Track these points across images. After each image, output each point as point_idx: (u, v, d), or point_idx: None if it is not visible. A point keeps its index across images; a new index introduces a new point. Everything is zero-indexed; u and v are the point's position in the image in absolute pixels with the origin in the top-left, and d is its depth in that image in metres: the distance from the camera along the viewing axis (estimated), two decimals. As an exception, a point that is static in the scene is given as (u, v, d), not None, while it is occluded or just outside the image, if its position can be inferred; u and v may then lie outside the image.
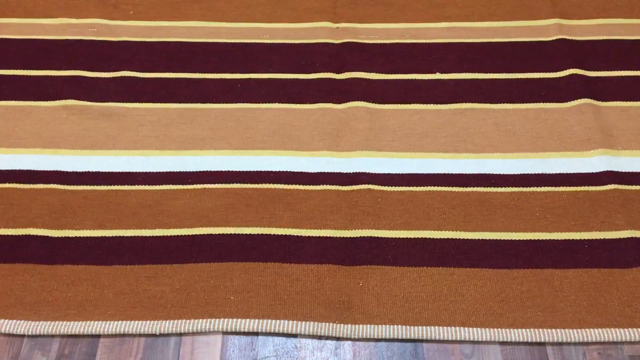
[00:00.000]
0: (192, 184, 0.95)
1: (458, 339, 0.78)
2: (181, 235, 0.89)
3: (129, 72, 1.09)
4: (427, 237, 0.88)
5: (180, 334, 0.79)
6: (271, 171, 0.96)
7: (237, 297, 0.82)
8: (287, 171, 0.96)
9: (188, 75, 1.10)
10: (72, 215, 0.90)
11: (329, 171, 0.96)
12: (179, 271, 0.85)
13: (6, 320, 0.80)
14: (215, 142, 1.00)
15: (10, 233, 0.88)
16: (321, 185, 0.95)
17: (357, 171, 0.96)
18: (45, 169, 0.96)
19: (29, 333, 0.79)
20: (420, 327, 0.79)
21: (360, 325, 0.80)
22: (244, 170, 0.97)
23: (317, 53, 1.13)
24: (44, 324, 0.80)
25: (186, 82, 1.08)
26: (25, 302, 0.82)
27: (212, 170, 0.97)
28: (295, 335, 0.79)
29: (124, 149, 0.99)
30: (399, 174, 0.96)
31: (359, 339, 0.79)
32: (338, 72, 1.10)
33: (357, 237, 0.88)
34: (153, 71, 1.10)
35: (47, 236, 0.88)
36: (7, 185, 0.94)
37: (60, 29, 1.16)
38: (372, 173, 0.96)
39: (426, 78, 1.09)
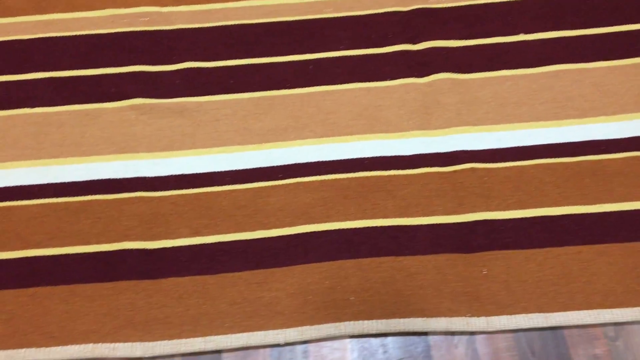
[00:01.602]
0: (284, 179, 0.89)
1: (599, 322, 0.74)
2: (284, 236, 0.84)
3: (192, 62, 1.02)
4: (545, 214, 0.83)
5: (306, 342, 0.75)
6: (364, 157, 0.90)
7: (358, 297, 0.78)
8: (380, 156, 0.91)
9: (255, 60, 1.02)
10: (165, 224, 0.85)
11: (425, 152, 0.91)
12: (290, 274, 0.80)
13: (120, 344, 0.76)
14: (298, 131, 0.94)
15: (104, 249, 0.84)
16: (420, 169, 0.89)
17: (455, 150, 0.90)
18: (125, 177, 0.90)
19: (147, 355, 0.75)
20: (557, 313, 0.75)
21: (494, 317, 0.75)
22: (335, 159, 0.91)
23: (387, 23, 1.06)
24: (161, 343, 0.76)
25: (254, 69, 1.01)
26: (135, 322, 0.78)
27: (301, 162, 0.91)
28: (426, 333, 0.75)
29: (204, 147, 0.93)
30: (500, 148, 0.90)
31: (494, 332, 0.74)
32: (414, 43, 1.03)
33: (469, 222, 0.83)
34: (217, 59, 1.03)
35: (144, 249, 0.83)
36: (89, 197, 0.88)
37: (109, 21, 1.08)
38: (471, 150, 0.90)
39: (510, 40, 1.02)
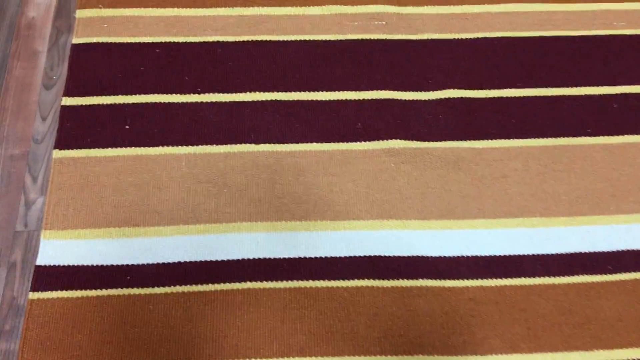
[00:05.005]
0: (615, 273, 0.68)
1: None
2: (636, 362, 0.62)
3: (455, 90, 0.78)
4: None
5: None
6: None
7: None
8: None
9: (537, 91, 0.78)
10: (468, 330, 0.64)
11: None
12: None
13: None
14: (619, 200, 0.71)
15: (393, 364, 0.62)
16: None
17: None
18: (398, 254, 0.67)
19: None
20: None
21: None
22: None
23: None
24: None
25: (538, 103, 0.77)
26: None
27: (635, 248, 0.68)
28: None
29: (495, 217, 0.70)
30: None
31: None
32: None
33: None
34: (486, 87, 0.79)
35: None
36: (354, 282, 0.66)
37: (334, 22, 0.83)
38: None
39: None
